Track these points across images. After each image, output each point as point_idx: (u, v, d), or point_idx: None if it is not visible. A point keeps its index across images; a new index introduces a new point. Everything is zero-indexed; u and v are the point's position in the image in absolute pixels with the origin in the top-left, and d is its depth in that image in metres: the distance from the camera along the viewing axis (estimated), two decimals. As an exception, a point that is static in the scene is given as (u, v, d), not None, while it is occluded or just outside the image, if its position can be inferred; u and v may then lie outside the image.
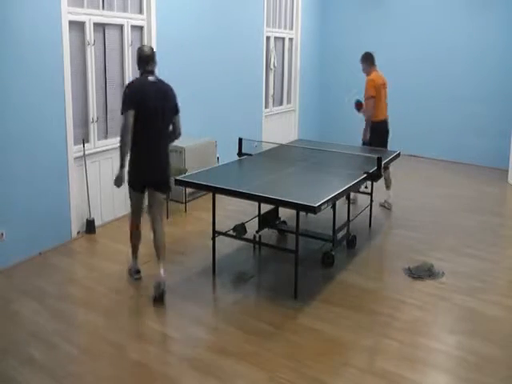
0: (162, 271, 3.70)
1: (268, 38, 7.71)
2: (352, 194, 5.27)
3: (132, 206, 3.90)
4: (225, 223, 4.59)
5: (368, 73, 5.73)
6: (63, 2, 4.39)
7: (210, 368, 2.93)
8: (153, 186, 3.79)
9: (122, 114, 3.59)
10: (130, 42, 5.29)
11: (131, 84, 3.77)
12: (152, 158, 3.70)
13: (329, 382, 2.82)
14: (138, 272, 4.04)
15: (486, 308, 3.64)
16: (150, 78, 3.69)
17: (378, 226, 5.25)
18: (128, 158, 3.68)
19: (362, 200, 5.08)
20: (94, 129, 5.02)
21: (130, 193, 3.86)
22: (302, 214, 3.63)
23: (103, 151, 5.12)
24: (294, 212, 3.71)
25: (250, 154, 5.01)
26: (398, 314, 3.55)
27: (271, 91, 8.04)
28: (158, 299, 3.68)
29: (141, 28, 5.42)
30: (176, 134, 3.89)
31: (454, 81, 8.05)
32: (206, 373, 2.88)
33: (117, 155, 4.48)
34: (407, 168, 7.58)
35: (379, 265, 4.38)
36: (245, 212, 5.17)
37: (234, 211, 5.36)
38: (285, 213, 4.84)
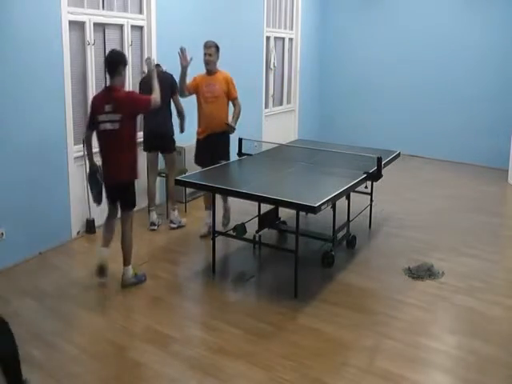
0: (173, 213, 5.01)
1: (268, 38, 7.70)
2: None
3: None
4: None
5: (216, 68, 5.04)
6: (63, 2, 4.39)
7: (209, 368, 2.93)
8: (157, 148, 5.02)
9: None
10: (130, 41, 5.29)
11: None
12: (150, 126, 4.92)
13: (329, 382, 2.82)
14: (153, 224, 4.98)
15: (486, 308, 3.64)
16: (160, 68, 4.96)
17: (378, 225, 5.25)
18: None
19: (362, 200, 5.07)
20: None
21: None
22: (301, 214, 3.62)
23: (103, 151, 5.12)
24: (293, 212, 3.71)
25: (250, 154, 5.02)
26: (398, 313, 3.56)
27: (271, 91, 8.03)
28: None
29: (141, 28, 5.42)
30: (178, 110, 5.08)
31: (455, 81, 8.04)
32: (206, 373, 2.89)
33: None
34: (407, 168, 7.58)
35: (379, 265, 4.38)
36: (245, 212, 5.17)
37: (234, 211, 5.35)
38: (285, 213, 4.85)
